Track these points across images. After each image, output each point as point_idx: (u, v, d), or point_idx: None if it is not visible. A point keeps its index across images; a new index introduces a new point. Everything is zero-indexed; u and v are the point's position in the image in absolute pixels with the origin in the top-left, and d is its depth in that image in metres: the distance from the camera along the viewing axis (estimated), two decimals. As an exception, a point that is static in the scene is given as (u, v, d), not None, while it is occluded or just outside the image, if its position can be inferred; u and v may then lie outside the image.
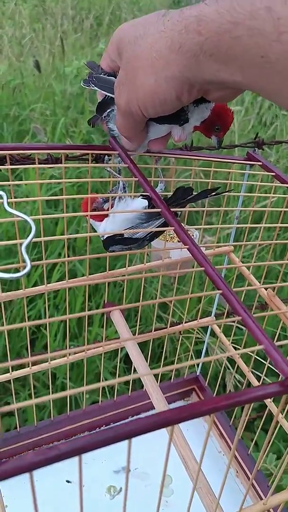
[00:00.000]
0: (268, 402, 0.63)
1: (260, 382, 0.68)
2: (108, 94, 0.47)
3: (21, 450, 0.74)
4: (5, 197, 0.39)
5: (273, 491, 0.43)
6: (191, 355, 0.95)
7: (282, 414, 0.63)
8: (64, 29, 2.98)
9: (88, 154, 0.52)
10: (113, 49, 0.44)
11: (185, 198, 0.46)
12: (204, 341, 0.85)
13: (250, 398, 0.31)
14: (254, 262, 1.40)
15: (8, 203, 0.40)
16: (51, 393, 0.72)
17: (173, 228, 0.43)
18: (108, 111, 0.48)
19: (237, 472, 0.75)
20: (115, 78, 0.45)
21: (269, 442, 0.71)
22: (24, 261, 0.36)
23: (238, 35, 0.33)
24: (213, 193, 0.48)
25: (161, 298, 1.35)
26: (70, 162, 0.54)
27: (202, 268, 0.40)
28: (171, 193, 0.48)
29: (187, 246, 0.42)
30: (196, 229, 0.66)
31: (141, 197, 0.47)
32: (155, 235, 0.52)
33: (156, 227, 0.49)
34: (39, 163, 0.49)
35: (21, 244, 0.37)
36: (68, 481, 0.70)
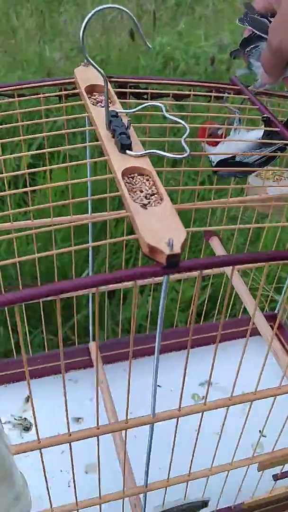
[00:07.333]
0: None
1: None
2: (258, 33, 0.55)
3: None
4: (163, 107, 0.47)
5: None
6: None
7: None
8: (146, 8, 3.06)
9: (211, 91, 0.61)
10: None
11: None
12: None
13: None
14: None
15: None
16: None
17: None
18: (251, 46, 0.56)
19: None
20: (267, 20, 0.54)
21: None
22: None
23: None
24: None
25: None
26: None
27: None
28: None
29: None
30: None
31: (262, 118, 0.54)
32: (264, 161, 0.58)
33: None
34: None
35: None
36: (159, 386, 0.80)
